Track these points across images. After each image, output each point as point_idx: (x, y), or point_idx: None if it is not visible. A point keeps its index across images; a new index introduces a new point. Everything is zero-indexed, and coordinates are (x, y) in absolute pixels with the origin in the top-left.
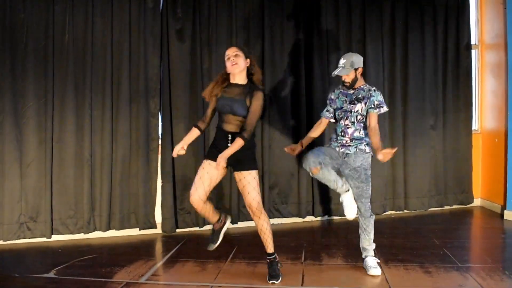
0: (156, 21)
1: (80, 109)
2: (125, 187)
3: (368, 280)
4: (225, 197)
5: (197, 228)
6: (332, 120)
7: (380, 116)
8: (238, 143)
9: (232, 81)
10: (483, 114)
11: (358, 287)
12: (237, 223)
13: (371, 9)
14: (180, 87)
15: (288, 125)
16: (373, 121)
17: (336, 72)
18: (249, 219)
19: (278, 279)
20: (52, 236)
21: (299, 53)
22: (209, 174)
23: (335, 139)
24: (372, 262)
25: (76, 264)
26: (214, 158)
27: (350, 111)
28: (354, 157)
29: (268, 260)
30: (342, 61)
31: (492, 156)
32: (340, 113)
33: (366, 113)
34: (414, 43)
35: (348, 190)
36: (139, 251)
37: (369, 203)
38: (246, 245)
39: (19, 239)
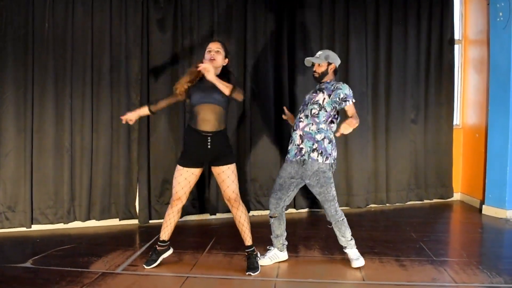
0: (137, 11)
1: (60, 98)
2: (106, 177)
3: (343, 272)
4: (204, 187)
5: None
6: None
7: (364, 109)
8: (228, 85)
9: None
10: (465, 109)
11: (332, 279)
12: (215, 214)
13: (355, 1)
14: (160, 78)
15: (270, 118)
16: (350, 112)
17: (309, 58)
18: (228, 210)
19: (257, 271)
20: (32, 226)
21: (282, 45)
22: (188, 180)
23: (290, 142)
24: (354, 254)
25: (54, 254)
26: (191, 165)
27: (307, 104)
28: (310, 164)
29: (247, 253)
30: (318, 53)
31: (473, 151)
32: (300, 107)
33: (328, 109)
34: (397, 37)
35: (280, 249)
36: (118, 241)
37: (335, 205)
38: (224, 236)
39: None
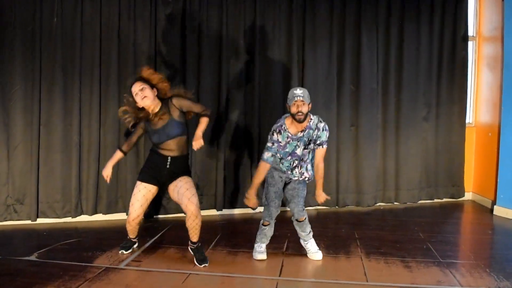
0: (146, 6)
1: (68, 93)
2: (113, 172)
3: (346, 272)
4: (211, 183)
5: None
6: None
7: (373, 106)
8: (205, 121)
9: (150, 111)
10: (478, 107)
11: (335, 280)
12: (222, 210)
13: None
14: (168, 73)
15: (277, 114)
16: (318, 157)
17: (300, 92)
18: (235, 206)
19: (207, 262)
20: (39, 219)
21: (291, 40)
22: (145, 196)
23: (280, 172)
24: (313, 247)
25: (59, 248)
26: (150, 182)
27: (303, 159)
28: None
29: (194, 247)
30: (299, 91)
31: (485, 150)
32: (291, 158)
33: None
34: (409, 33)
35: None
36: (123, 236)
37: (303, 204)
38: (230, 233)
39: (6, 221)
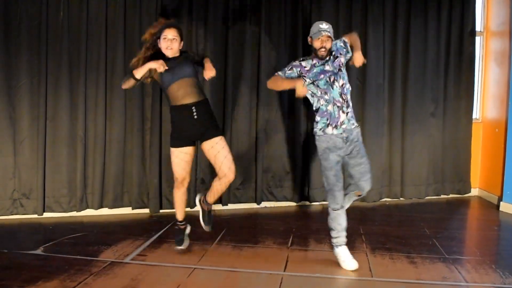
0: (152, 0)
1: (74, 87)
2: (119, 166)
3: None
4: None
5: (188, 209)
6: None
7: (380, 102)
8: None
9: (167, 56)
10: (485, 103)
11: (341, 275)
12: (227, 205)
13: None
14: None
15: (283, 107)
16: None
17: (326, 26)
18: (242, 201)
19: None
20: (45, 213)
21: (297, 35)
22: (184, 159)
23: (331, 125)
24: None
25: (65, 242)
26: (184, 144)
27: (340, 69)
28: (354, 133)
29: (208, 206)
30: (325, 25)
31: (492, 146)
32: (324, 76)
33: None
34: (416, 28)
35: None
36: (129, 230)
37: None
38: (235, 228)
39: (12, 215)
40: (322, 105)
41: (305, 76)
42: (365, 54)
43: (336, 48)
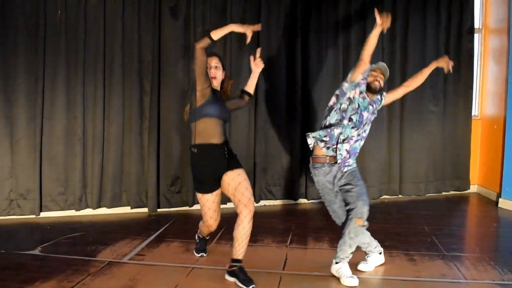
0: None
1: (71, 86)
2: (117, 165)
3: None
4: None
5: (186, 208)
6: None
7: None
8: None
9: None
10: (484, 100)
11: None
12: (226, 204)
13: None
14: (172, 65)
15: (282, 107)
16: (394, 94)
17: (383, 64)
18: None
19: (250, 286)
20: (43, 213)
21: (295, 32)
22: (216, 202)
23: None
24: (347, 271)
25: (63, 242)
26: (214, 189)
27: (365, 124)
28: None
29: (236, 268)
30: (383, 64)
31: (491, 143)
32: (360, 118)
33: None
34: (415, 25)
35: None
36: (127, 230)
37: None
38: (234, 227)
39: (9, 215)
40: (334, 125)
41: (361, 91)
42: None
43: (375, 102)
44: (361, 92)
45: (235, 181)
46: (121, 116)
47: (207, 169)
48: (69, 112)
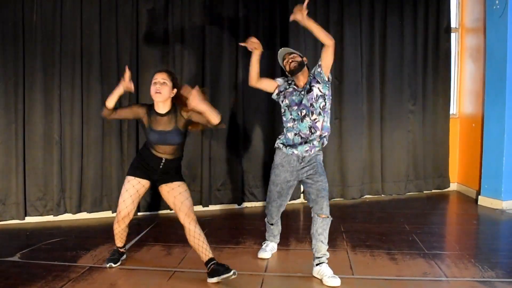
0: (127, 1)
1: (49, 89)
2: (97, 169)
3: (332, 266)
4: (197, 178)
5: (167, 211)
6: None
7: (358, 99)
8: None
9: (157, 109)
10: (462, 98)
11: None
12: (208, 206)
13: None
14: (150, 68)
15: (262, 109)
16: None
17: (286, 48)
18: (223, 202)
19: (233, 271)
20: (25, 218)
21: (275, 35)
22: (137, 189)
23: (290, 146)
24: (328, 271)
25: (42, 248)
26: (142, 176)
27: (311, 105)
28: (310, 157)
29: (213, 265)
30: (286, 48)
31: (469, 141)
32: (301, 111)
33: (327, 94)
34: (393, 25)
35: (276, 241)
36: (108, 235)
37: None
38: (215, 229)
39: None
40: (286, 127)
41: (284, 96)
42: (342, 52)
43: (314, 76)
44: (279, 95)
45: (172, 193)
46: (100, 120)
47: (140, 163)
48: (47, 117)
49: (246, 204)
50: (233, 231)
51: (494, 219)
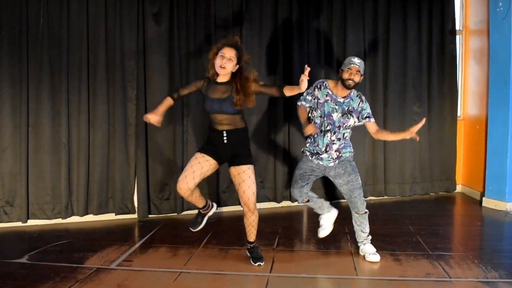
0: (133, 5)
1: (56, 93)
2: (103, 172)
3: (336, 267)
4: (203, 182)
5: (175, 214)
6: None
7: None
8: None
9: (216, 79)
10: (466, 101)
11: (326, 275)
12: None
13: None
14: (156, 72)
15: (264, 110)
16: (373, 128)
17: (357, 61)
18: (229, 204)
19: (263, 261)
20: (30, 220)
21: (277, 38)
22: (202, 165)
23: (314, 154)
24: (370, 249)
25: (50, 250)
26: (209, 154)
27: (339, 127)
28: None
29: (250, 246)
30: (357, 60)
31: (473, 143)
32: (327, 124)
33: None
34: (396, 27)
35: (330, 211)
36: (114, 236)
37: (363, 197)
38: (221, 231)
39: None
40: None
41: (316, 108)
42: (345, 55)
43: (356, 107)
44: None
45: (238, 177)
46: (106, 123)
47: (209, 141)
48: (54, 120)
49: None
50: (238, 233)
51: (498, 220)
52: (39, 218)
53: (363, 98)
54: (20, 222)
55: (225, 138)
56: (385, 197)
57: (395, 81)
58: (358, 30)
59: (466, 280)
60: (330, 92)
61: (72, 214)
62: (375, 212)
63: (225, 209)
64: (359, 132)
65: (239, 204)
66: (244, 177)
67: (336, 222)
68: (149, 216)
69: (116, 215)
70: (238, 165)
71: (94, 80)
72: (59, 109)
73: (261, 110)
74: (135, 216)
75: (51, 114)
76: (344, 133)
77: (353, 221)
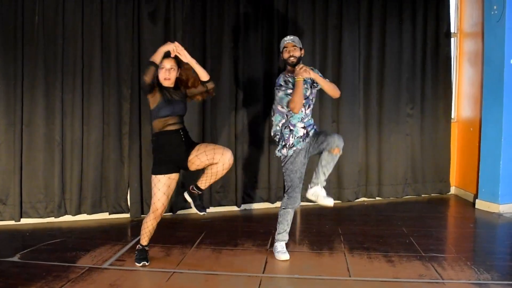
0: (128, 3)
1: (50, 92)
2: (97, 171)
3: (329, 268)
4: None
5: (168, 214)
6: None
7: (355, 102)
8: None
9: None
10: (460, 103)
11: (319, 276)
12: (208, 208)
13: None
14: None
15: (259, 110)
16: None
17: (290, 37)
18: (222, 204)
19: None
20: (22, 219)
21: (273, 39)
22: (171, 187)
23: (304, 136)
24: (322, 192)
25: (42, 248)
26: (171, 171)
27: (307, 98)
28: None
29: (198, 192)
30: (289, 37)
31: (467, 145)
32: (305, 101)
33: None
34: (392, 29)
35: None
36: (107, 236)
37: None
38: (214, 231)
39: None
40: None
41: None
42: (340, 56)
43: (307, 79)
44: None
45: (200, 151)
46: (100, 122)
47: (166, 151)
48: (48, 119)
49: (245, 207)
50: (232, 233)
51: (491, 222)
52: (31, 217)
53: (312, 68)
54: (13, 221)
55: (182, 135)
56: (378, 198)
57: (390, 82)
58: (354, 31)
59: (458, 281)
60: (289, 78)
61: (65, 213)
62: (368, 213)
63: (218, 209)
64: (352, 133)
65: (233, 204)
66: (204, 147)
67: (328, 224)
68: (142, 215)
69: (109, 214)
70: (193, 148)
71: (89, 79)
72: (53, 107)
73: (255, 110)
74: (128, 215)
75: (45, 112)
76: (309, 104)
77: (320, 162)
